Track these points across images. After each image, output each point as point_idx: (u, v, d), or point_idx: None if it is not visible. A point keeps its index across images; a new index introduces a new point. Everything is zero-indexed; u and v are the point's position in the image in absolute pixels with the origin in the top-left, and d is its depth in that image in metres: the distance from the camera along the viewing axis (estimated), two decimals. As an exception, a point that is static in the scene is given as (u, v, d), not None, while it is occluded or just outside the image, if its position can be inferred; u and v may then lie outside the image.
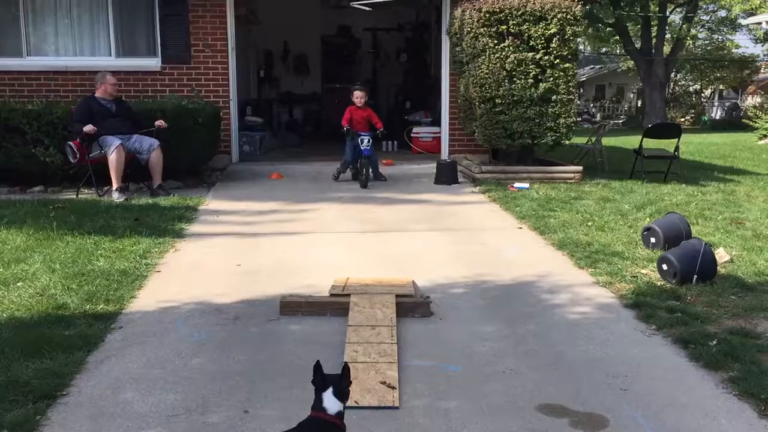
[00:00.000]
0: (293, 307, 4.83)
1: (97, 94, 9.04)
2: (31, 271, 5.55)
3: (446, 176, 10.10)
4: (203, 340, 4.37)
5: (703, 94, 43.62)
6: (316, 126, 17.41)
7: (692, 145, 17.97)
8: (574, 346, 4.36)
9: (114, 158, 8.57)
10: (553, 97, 9.90)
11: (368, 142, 9.46)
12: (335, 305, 4.83)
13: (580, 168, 10.50)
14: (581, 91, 47.90)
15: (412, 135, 13.37)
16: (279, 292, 5.12)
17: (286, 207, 8.42)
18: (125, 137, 8.83)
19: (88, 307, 4.80)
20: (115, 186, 8.65)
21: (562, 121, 9.97)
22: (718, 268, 5.74)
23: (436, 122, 12.79)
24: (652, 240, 6.45)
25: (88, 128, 8.52)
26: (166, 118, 9.14)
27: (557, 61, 9.85)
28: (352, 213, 8.18)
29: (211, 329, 4.55)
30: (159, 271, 5.75)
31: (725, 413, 3.52)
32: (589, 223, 7.46)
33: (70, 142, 8.69)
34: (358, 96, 9.93)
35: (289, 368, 3.98)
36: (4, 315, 4.63)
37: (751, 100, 35.97)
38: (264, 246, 6.64)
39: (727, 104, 40.21)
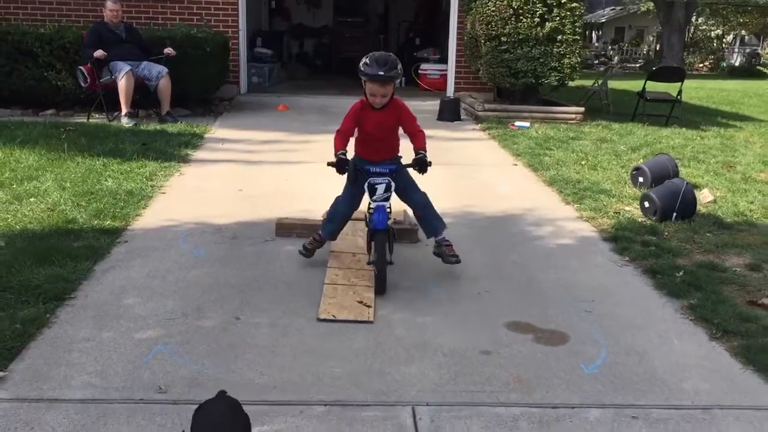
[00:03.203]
0: (288, 228, 5.12)
1: (105, 19, 9.19)
2: (42, 188, 5.85)
3: (449, 113, 10.26)
4: (202, 256, 4.68)
5: (724, 40, 42.84)
6: (325, 60, 17.46)
7: (703, 91, 17.90)
8: (549, 273, 4.64)
9: (123, 84, 8.78)
10: (559, 37, 9.94)
11: (385, 190, 4.18)
12: (328, 229, 5.10)
13: (581, 109, 10.62)
14: (600, 32, 47.13)
15: (419, 71, 13.44)
16: (277, 215, 5.39)
17: (289, 138, 8.64)
18: (135, 63, 9.01)
19: (95, 222, 5.10)
20: (124, 111, 8.88)
21: (566, 61, 10.04)
22: (701, 207, 5.98)
23: (444, 59, 12.85)
24: (640, 179, 6.66)
25: (98, 53, 8.71)
26: (175, 47, 9.29)
27: (564, 0, 9.85)
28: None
29: (209, 246, 4.85)
30: (164, 193, 6.04)
31: (678, 335, 3.81)
32: (583, 162, 7.66)
33: (81, 67, 8.89)
34: (377, 91, 4.11)
35: (280, 282, 4.29)
36: (17, 227, 4.95)
37: (772, 48, 35.36)
38: (265, 173, 6.91)
39: (747, 51, 39.52)
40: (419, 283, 4.39)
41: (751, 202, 6.37)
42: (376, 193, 4.19)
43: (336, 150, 4.17)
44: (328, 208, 5.45)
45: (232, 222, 5.37)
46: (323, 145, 8.30)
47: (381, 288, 4.12)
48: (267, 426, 2.85)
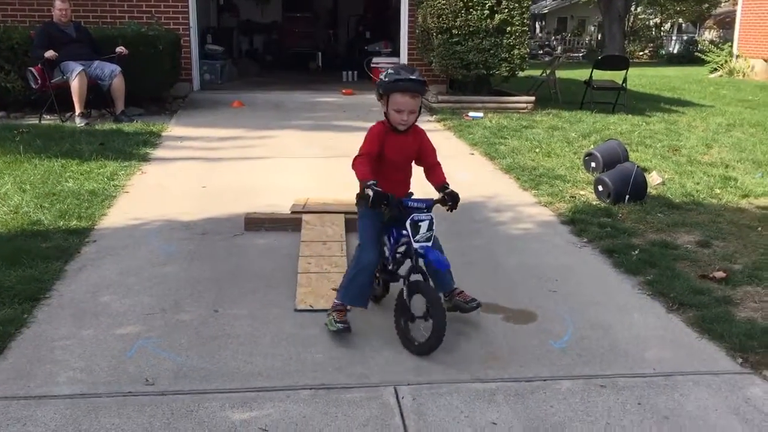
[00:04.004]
0: (257, 223, 5.19)
1: (54, 20, 9.04)
2: (2, 191, 5.78)
3: (404, 105, 10.38)
4: (173, 252, 4.72)
5: (662, 28, 44.05)
6: (276, 55, 17.42)
7: (645, 78, 18.45)
8: (513, 256, 4.82)
9: (76, 84, 8.66)
10: (508, 29, 10.18)
11: (429, 228, 3.48)
12: (296, 221, 5.20)
13: (532, 98, 10.89)
14: (543, 23, 47.97)
15: (372, 65, 13.55)
16: (243, 210, 5.44)
17: (248, 133, 8.67)
18: (86, 63, 8.90)
19: (61, 223, 5.09)
20: (77, 111, 8.77)
21: (516, 52, 10.29)
22: (651, 189, 6.25)
23: (396, 53, 12.99)
24: (593, 164, 6.92)
25: (49, 54, 8.58)
26: (126, 45, 9.20)
27: (512, -8, 10.09)
28: (313, 140, 8.48)
29: (180, 243, 4.89)
30: (127, 192, 6.03)
31: (638, 309, 4.03)
32: (537, 150, 7.90)
33: (31, 68, 8.74)
34: (407, 105, 3.47)
35: (254, 275, 4.37)
36: (-18, 230, 4.90)
37: (708, 35, 36.54)
38: (228, 170, 6.94)
39: (684, 38, 40.72)
40: (390, 271, 4.52)
41: (697, 183, 6.68)
42: (420, 232, 3.42)
43: (364, 179, 3.38)
44: (293, 202, 5.59)
45: (200, 218, 5.41)
46: (282, 141, 8.41)
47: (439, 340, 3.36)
48: (256, 411, 2.94)
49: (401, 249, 3.60)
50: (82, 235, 4.91)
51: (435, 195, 3.61)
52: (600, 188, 6.06)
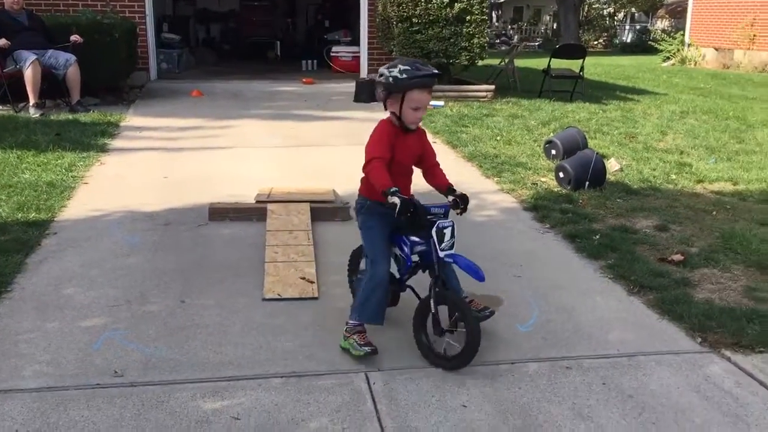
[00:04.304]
0: (221, 213, 5.15)
1: (5, 7, 8.79)
2: (-44, 183, 5.63)
3: (364, 94, 10.38)
4: (137, 244, 4.66)
5: (616, 18, 44.71)
6: (233, 44, 17.21)
7: (601, 67, 18.73)
8: (478, 243, 4.87)
9: (30, 73, 8.44)
10: (468, 18, 10.23)
11: (452, 235, 3.28)
12: (261, 211, 5.18)
13: (492, 87, 10.98)
14: (500, 12, 48.28)
15: (331, 54, 13.50)
16: (206, 201, 5.39)
17: (209, 123, 8.57)
18: (40, 52, 8.67)
19: (20, 215, 4.97)
20: (32, 101, 8.55)
21: (476, 41, 10.35)
22: (609, 176, 6.38)
23: (356, 41, 12.96)
24: (553, 152, 7.03)
25: (1, 42, 8.34)
26: (81, 33, 8.99)
27: (472, -19, 10.14)
28: (274, 129, 8.42)
29: (143, 234, 4.83)
30: (87, 183, 5.92)
31: (600, 292, 4.13)
32: (498, 138, 7.99)
33: (-18, 57, 8.49)
34: (423, 101, 3.28)
35: (220, 265, 4.35)
36: (-64, 224, 4.77)
37: (660, 24, 37.24)
38: (189, 160, 6.86)
39: (637, 28, 41.43)
40: (356, 259, 4.54)
41: (654, 169, 6.84)
42: (445, 240, 3.23)
43: (385, 187, 3.09)
44: (256, 192, 5.55)
45: (163, 209, 5.34)
46: (244, 130, 8.34)
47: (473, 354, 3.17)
48: (227, 401, 2.94)
49: (414, 258, 3.36)
50: (42, 227, 4.82)
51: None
52: (561, 175, 6.16)
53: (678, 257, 4.54)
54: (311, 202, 5.28)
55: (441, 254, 3.23)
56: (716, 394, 3.08)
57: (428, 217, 3.21)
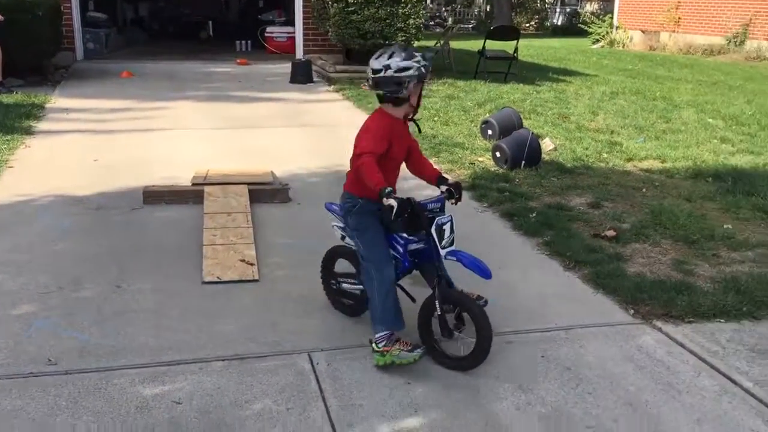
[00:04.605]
0: (156, 196, 5.03)
1: None
2: None
3: (301, 75, 10.29)
4: (67, 228, 4.50)
5: (547, 1, 45.44)
6: (163, 24, 16.75)
7: (533, 49, 19.01)
8: (417, 223, 4.90)
9: (-54, 53, 8.03)
10: (403, -2, 10.22)
11: (452, 230, 3.20)
12: (198, 194, 5.07)
13: (428, 68, 11.00)
14: (434, -6, 48.35)
15: (266, 35, 13.29)
16: (140, 184, 5.25)
17: (140, 105, 8.33)
18: (-43, 30, 8.26)
19: (-60, 201, 4.75)
20: (-50, 83, 8.15)
21: (411, 21, 10.35)
22: (544, 155, 6.50)
23: (291, 22, 12.78)
24: (489, 132, 7.11)
25: None
26: (2, 12, 8.58)
27: (407, -39, 10.13)
28: (210, 111, 8.26)
29: (74, 218, 4.68)
30: (11, 167, 5.69)
31: (538, 268, 4.21)
32: (436, 119, 8.03)
33: None
34: (418, 90, 3.13)
35: (157, 249, 4.25)
36: None
37: (590, 7, 38.01)
38: (120, 142, 6.66)
39: (568, 10, 42.21)
40: (297, 240, 4.51)
41: (586, 149, 7.00)
42: (445, 237, 3.09)
43: (380, 185, 2.87)
44: (192, 174, 5.43)
45: (94, 193, 5.18)
46: (177, 112, 8.15)
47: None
48: (168, 385, 2.89)
49: (443, 254, 3.12)
50: (-35, 213, 4.61)
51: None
52: (497, 155, 6.25)
53: (611, 233, 4.67)
54: (249, 183, 5.20)
55: (443, 252, 3.06)
56: (649, 363, 3.19)
57: (425, 213, 2.99)
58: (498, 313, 3.59)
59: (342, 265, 3.55)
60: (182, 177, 5.42)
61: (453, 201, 3.19)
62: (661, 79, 12.49)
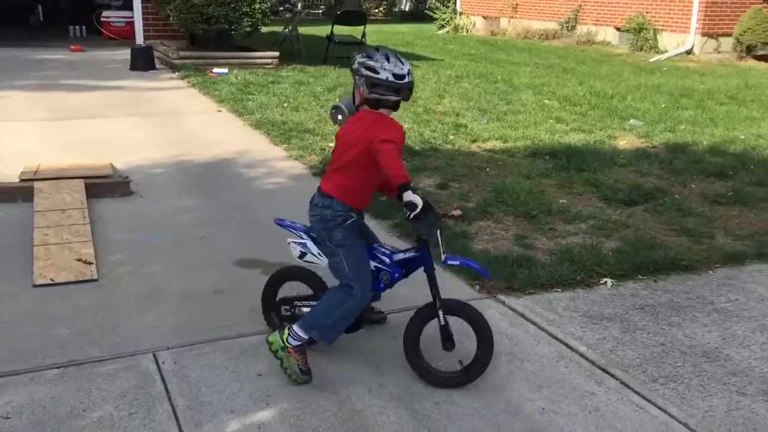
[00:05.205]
0: (-22, 194, 4.61)
1: None
2: None
3: (142, 62, 9.82)
4: None
5: (395, -13, 46.13)
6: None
7: (381, 34, 19.26)
8: (268, 211, 4.80)
9: None
10: (248, -18, 9.99)
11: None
12: (27, 190, 4.71)
13: (277, 54, 10.86)
14: (282, -21, 47.73)
15: (102, 19, 12.55)
16: (-41, 182, 4.80)
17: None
18: None
19: None
20: None
21: (257, 6, 10.15)
22: (393, 139, 6.59)
23: (128, 6, 12.12)
24: (339, 117, 7.11)
25: None
26: None
27: (249, -56, 9.89)
28: (41, 101, 7.68)
29: None
30: None
31: (388, 250, 4.26)
32: (285, 105, 7.93)
33: None
34: None
35: (-20, 252, 3.90)
36: None
37: (435, -6, 39.01)
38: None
39: (415, -3, 43.10)
40: (140, 235, 4.30)
41: (434, 131, 7.18)
42: (441, 242, 2.89)
43: (406, 178, 2.64)
44: (21, 169, 5.03)
45: None
46: (4, 102, 7.52)
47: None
48: (-5, 400, 2.66)
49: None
50: None
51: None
52: (347, 139, 6.26)
53: (457, 212, 4.81)
54: (85, 177, 4.90)
55: (444, 258, 2.89)
56: (495, 335, 3.31)
57: (428, 222, 2.67)
58: (349, 297, 3.60)
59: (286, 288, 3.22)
60: (8, 173, 5.01)
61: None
62: (502, 63, 13.04)
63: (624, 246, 4.32)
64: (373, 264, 2.92)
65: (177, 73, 9.70)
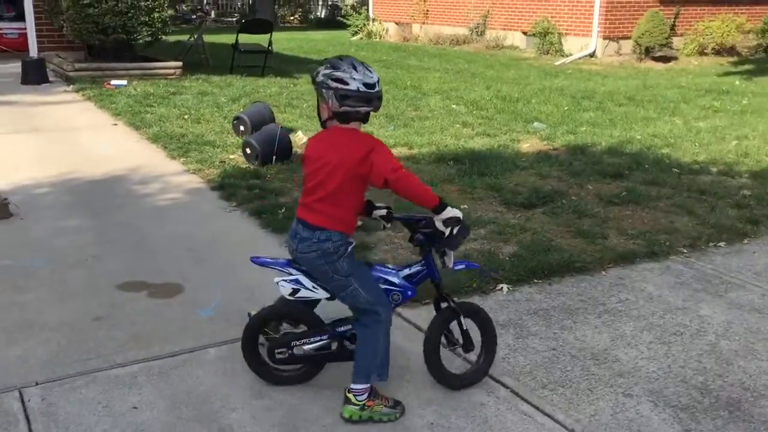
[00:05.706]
0: None
1: None
2: None
3: (34, 75, 9.38)
4: None
5: (309, -6, 45.96)
6: None
7: (294, 42, 19.10)
8: (159, 229, 4.62)
9: None
10: (145, -10, 9.68)
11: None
12: None
13: (180, 64, 10.58)
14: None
15: (-7, 31, 11.95)
16: None
17: None
18: None
19: None
20: None
21: (156, 15, 9.85)
22: (297, 148, 6.46)
23: (21, 17, 11.58)
24: (242, 128, 6.94)
25: None
26: None
27: (146, -49, 9.59)
28: None
29: None
30: None
31: (284, 266, 4.14)
32: (186, 117, 7.69)
33: None
34: None
35: None
36: None
37: (349, 0, 39.09)
38: None
39: (330, 3, 43.08)
40: (16, 261, 4.04)
41: (339, 140, 7.08)
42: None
43: (437, 197, 2.68)
44: None
45: None
46: None
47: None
48: None
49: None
50: None
51: None
52: (248, 151, 6.10)
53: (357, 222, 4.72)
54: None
55: (451, 265, 2.94)
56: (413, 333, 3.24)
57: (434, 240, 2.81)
58: (239, 316, 3.47)
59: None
60: None
61: (388, 225, 3.10)
62: (413, 69, 13.10)
63: (521, 250, 4.33)
64: (381, 286, 2.82)
65: (71, 86, 9.30)
